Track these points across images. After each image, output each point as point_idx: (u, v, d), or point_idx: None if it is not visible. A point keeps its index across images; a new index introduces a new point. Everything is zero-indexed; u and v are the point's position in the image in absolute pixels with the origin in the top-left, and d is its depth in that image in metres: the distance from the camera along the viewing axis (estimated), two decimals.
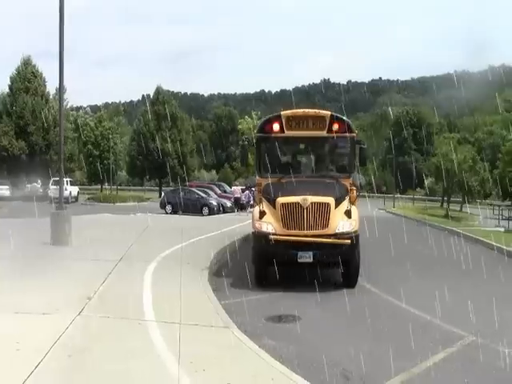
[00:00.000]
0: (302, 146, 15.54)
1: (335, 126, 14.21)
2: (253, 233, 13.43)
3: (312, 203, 12.47)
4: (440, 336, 9.16)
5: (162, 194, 53.31)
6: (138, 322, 8.76)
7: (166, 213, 40.48)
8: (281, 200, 12.74)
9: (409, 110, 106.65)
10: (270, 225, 12.78)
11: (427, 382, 7.39)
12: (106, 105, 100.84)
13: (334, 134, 14.25)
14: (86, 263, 13.82)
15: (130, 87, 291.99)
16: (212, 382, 6.59)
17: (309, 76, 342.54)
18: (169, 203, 41.72)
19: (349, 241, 12.49)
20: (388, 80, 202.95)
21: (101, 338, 7.95)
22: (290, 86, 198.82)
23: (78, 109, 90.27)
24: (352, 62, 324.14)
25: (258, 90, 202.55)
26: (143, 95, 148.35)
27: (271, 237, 12.52)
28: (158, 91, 79.52)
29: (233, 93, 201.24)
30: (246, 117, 52.01)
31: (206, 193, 44.46)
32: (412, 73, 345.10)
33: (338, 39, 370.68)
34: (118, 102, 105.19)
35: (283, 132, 14.36)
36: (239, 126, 52.59)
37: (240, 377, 6.85)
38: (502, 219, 45.53)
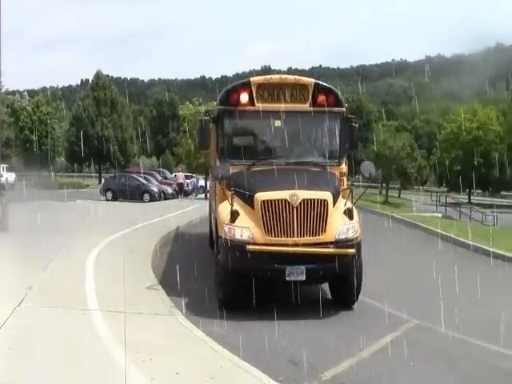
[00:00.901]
0: (277, 124, 11.59)
1: (321, 98, 11.27)
2: (219, 241, 10.17)
3: (304, 200, 9.51)
4: (386, 320, 9.25)
5: (102, 180, 52.47)
6: (81, 312, 8.53)
7: (107, 199, 39.79)
8: (261, 196, 9.67)
9: (348, 97, 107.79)
10: (246, 230, 9.59)
11: (374, 364, 7.45)
12: (44, 89, 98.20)
13: (320, 108, 11.24)
14: (25, 251, 13.30)
15: (69, 71, 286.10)
16: (160, 372, 6.45)
17: (249, 62, 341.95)
18: (109, 190, 40.99)
19: (353, 250, 9.62)
20: (328, 68, 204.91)
21: (43, 328, 7.69)
22: (230, 73, 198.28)
23: (14, 93, 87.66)
24: (292, 49, 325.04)
25: (199, 76, 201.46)
26: (82, 80, 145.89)
27: (249, 247, 9.36)
28: (98, 76, 77.87)
29: (173, 78, 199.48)
30: (187, 103, 51.25)
31: (146, 179, 43.86)
32: (351, 61, 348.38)
33: (279, 26, 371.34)
34: (55, 86, 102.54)
35: (253, 104, 11.18)
36: (180, 112, 51.76)
37: (188, 365, 6.76)
38: (440, 205, 46.63)
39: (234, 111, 11.25)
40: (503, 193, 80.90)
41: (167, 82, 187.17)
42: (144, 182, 42.43)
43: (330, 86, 11.73)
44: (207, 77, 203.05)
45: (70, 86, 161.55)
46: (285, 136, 11.59)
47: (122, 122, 76.30)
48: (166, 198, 41.91)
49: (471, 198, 69.12)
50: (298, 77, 11.52)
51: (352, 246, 9.66)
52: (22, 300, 8.83)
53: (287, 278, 9.46)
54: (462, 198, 60.72)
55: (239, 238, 9.61)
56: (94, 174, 76.93)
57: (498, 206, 55.48)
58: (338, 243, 9.61)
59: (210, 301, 10.19)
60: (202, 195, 45.60)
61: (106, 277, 11.07)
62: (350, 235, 9.78)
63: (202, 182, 50.38)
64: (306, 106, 11.26)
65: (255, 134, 12.18)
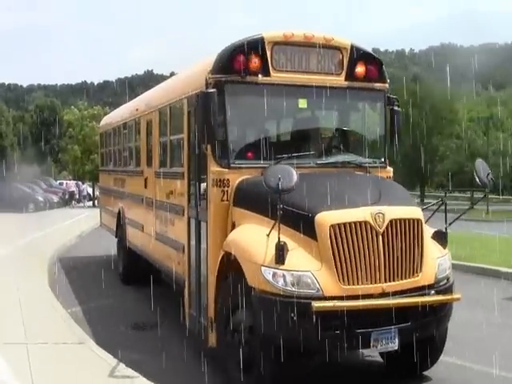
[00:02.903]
0: (302, 105, 7.80)
1: (360, 68, 7.72)
2: (252, 294, 6.03)
3: (392, 222, 6.08)
4: None
5: None
6: None
7: None
8: (328, 217, 5.97)
9: None
10: (308, 276, 5.82)
11: None
12: None
13: (359, 84, 7.75)
14: None
15: None
16: None
17: (132, 67, 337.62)
18: None
19: (459, 295, 6.55)
20: None
21: None
22: (113, 77, 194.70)
23: None
24: (174, 53, 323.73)
25: (80, 81, 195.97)
26: None
27: (316, 305, 5.63)
28: None
29: (54, 84, 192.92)
30: (72, 107, 49.14)
31: (31, 188, 41.69)
32: None
33: (161, 31, 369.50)
34: None
35: (268, 74, 7.29)
36: (65, 117, 49.67)
37: None
38: None
39: (240, 83, 7.21)
40: None
41: (47, 87, 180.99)
42: (28, 191, 40.24)
43: (369, 51, 8.13)
44: (89, 82, 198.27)
45: None
46: (313, 123, 8.19)
47: (2, 128, 72.72)
48: (51, 208, 39.98)
49: None
50: (329, 35, 7.65)
51: (452, 289, 6.68)
52: None
53: (373, 350, 6.31)
54: None
55: (295, 290, 5.79)
56: None
57: None
58: (439, 286, 6.47)
59: (122, 321, 9.16)
60: (90, 203, 44.65)
61: None
62: (449, 271, 6.74)
63: (89, 190, 49.54)
64: (341, 80, 7.69)
65: (270, 119, 8.20)
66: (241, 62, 7.14)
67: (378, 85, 7.91)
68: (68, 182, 46.52)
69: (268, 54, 7.28)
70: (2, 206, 35.80)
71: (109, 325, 9.12)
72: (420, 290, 6.22)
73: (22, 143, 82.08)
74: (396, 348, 6.14)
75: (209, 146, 7.14)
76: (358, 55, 7.74)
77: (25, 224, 24.80)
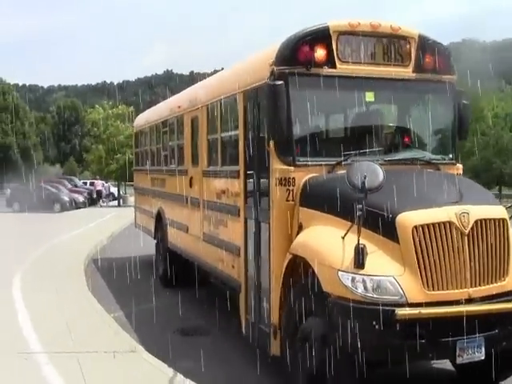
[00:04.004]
0: (369, 98, 7.24)
1: (428, 60, 7.18)
2: (327, 300, 5.53)
3: (478, 222, 5.58)
4: None
5: (8, 190, 49.32)
6: (23, 357, 6.86)
7: (14, 211, 37.16)
8: (410, 218, 5.47)
9: None
10: (390, 282, 5.31)
11: None
12: None
13: (427, 76, 7.19)
14: None
15: None
16: None
17: (152, 67, 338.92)
18: (16, 200, 38.34)
19: None
20: None
21: None
22: (132, 77, 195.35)
23: None
24: (193, 53, 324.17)
25: (100, 81, 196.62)
26: None
27: (400, 312, 5.15)
28: None
29: (74, 84, 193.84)
30: (97, 106, 48.80)
31: (56, 188, 41.56)
32: None
33: (180, 30, 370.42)
34: None
35: (333, 65, 6.75)
36: (89, 116, 49.40)
37: None
38: None
39: (305, 75, 6.63)
40: None
41: (68, 88, 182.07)
42: (54, 190, 40.10)
43: (438, 41, 7.42)
44: (109, 82, 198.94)
45: None
46: (380, 118, 7.55)
47: (25, 129, 73.08)
48: (77, 207, 39.80)
49: None
50: (395, 24, 7.07)
51: None
52: None
53: (458, 360, 5.55)
54: None
55: (377, 296, 5.29)
56: None
57: None
58: None
59: (171, 326, 8.75)
60: (114, 202, 44.70)
61: (40, 307, 9.40)
62: None
63: (112, 189, 49.99)
64: (408, 72, 7.14)
65: (336, 113, 7.77)
66: (305, 53, 6.64)
67: (446, 77, 7.33)
68: (95, 181, 46.53)
69: (333, 44, 6.74)
70: (28, 206, 35.73)
71: (155, 330, 8.71)
72: (507, 295, 5.68)
73: (44, 143, 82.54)
74: (482, 358, 5.56)
75: (271, 143, 6.61)
76: (427, 45, 7.16)
77: (54, 224, 24.66)
